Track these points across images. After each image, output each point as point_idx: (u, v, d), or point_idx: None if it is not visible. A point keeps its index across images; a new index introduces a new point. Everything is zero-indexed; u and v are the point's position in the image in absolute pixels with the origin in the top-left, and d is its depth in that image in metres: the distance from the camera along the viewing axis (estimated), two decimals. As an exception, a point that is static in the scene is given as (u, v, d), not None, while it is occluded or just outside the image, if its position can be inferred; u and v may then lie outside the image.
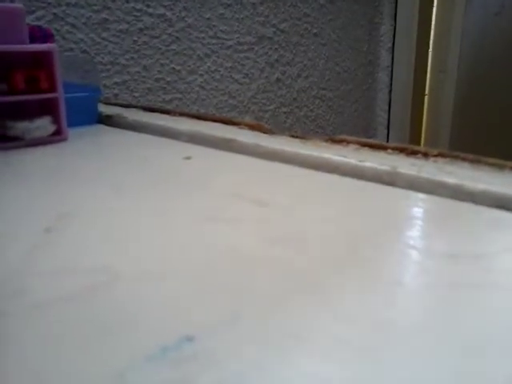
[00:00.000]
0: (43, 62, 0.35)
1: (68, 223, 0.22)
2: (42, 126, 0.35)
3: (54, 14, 0.64)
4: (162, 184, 0.27)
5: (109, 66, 0.72)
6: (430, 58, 1.33)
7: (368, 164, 0.29)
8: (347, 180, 0.28)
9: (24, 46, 0.35)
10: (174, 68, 0.80)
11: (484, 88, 1.27)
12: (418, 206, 0.25)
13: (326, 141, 0.35)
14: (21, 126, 0.34)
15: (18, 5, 0.33)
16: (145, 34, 0.76)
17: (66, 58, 0.65)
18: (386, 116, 1.31)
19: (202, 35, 0.84)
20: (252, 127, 0.40)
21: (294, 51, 1.02)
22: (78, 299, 0.15)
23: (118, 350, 0.13)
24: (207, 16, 0.84)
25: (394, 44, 1.27)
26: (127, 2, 0.72)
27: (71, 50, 0.67)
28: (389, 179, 0.28)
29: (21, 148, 0.34)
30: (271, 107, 0.98)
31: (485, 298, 0.16)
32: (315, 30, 1.06)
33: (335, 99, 1.15)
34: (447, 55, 1.30)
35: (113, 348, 0.13)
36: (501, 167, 0.28)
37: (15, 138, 0.34)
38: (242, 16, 0.90)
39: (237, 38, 0.90)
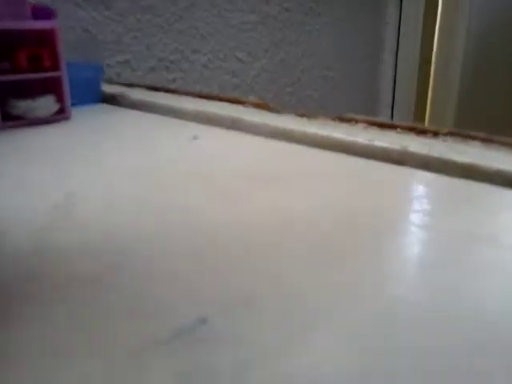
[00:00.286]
0: (46, 40, 0.35)
1: (75, 200, 0.21)
2: (45, 104, 0.35)
3: (56, -9, 0.63)
4: (170, 164, 0.27)
5: (111, 45, 0.71)
6: (436, 38, 1.31)
7: (377, 143, 0.28)
8: (356, 159, 0.28)
9: (27, 23, 0.34)
10: (177, 47, 0.79)
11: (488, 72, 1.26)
12: (429, 186, 0.24)
13: (334, 119, 0.35)
14: (24, 105, 0.34)
15: (20, -20, 0.33)
16: (148, 13, 0.74)
17: (68, 37, 0.64)
18: (390, 97, 1.30)
19: (206, 14, 0.83)
20: (258, 106, 0.39)
21: (298, 31, 1.01)
22: (92, 280, 0.15)
23: (131, 331, 0.13)
24: (210, -6, 0.83)
25: (399, 24, 1.25)
26: (129, -21, 0.71)
27: (73, 28, 0.66)
28: (399, 158, 0.27)
29: (24, 127, 0.34)
30: (274, 87, 0.97)
31: (502, 277, 0.15)
32: (320, 10, 1.05)
33: (339, 79, 1.14)
34: (454, 38, 1.28)
35: (126, 328, 0.13)
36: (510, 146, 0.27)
37: (18, 117, 0.34)
38: (245, -6, 0.89)
39: (241, 16, 0.89)
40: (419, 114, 1.33)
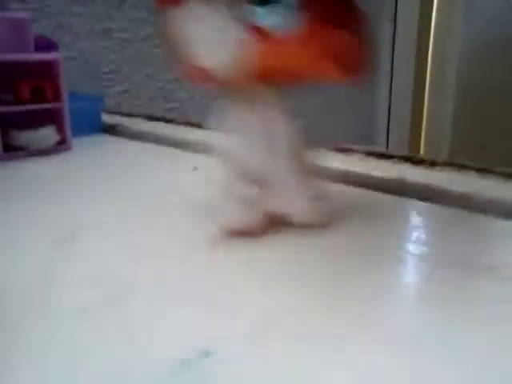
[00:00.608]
0: (48, 71, 0.35)
1: (77, 233, 0.21)
2: (47, 135, 0.35)
3: (58, 23, 0.64)
4: (171, 195, 0.27)
5: (111, 75, 0.72)
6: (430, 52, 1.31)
7: (375, 173, 0.29)
8: (355, 190, 0.28)
9: (30, 54, 0.35)
10: (175, 77, 0.80)
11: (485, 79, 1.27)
12: (426, 216, 0.25)
13: (331, 150, 0.35)
14: (25, 136, 0.34)
15: (23, 14, 0.34)
16: (147, 43, 0.76)
17: (70, 67, 0.65)
18: (385, 122, 1.31)
19: (204, 44, 0.84)
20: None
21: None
22: (94, 311, 0.15)
23: (136, 361, 0.13)
24: (209, 25, 0.85)
25: (393, 49, 1.27)
26: (130, 11, 0.73)
27: (74, 59, 0.67)
28: (397, 188, 0.28)
29: (26, 158, 0.34)
30: (272, 116, 0.98)
31: (499, 309, 0.15)
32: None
33: (333, 105, 1.15)
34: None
35: (132, 359, 0.13)
36: (508, 176, 0.28)
37: (20, 148, 0.34)
38: (243, 25, 0.90)
39: (238, 46, 0.90)
40: (414, 137, 1.33)
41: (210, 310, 0.15)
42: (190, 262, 0.19)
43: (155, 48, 0.77)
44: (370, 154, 0.34)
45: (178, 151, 0.38)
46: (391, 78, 1.30)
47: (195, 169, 0.32)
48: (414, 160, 0.32)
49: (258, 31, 0.21)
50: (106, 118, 0.46)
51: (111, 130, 0.44)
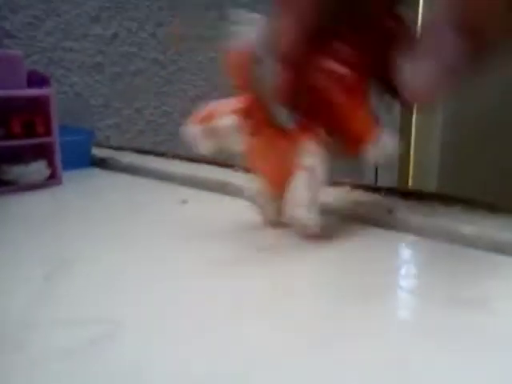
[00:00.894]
0: (40, 106, 0.36)
1: (67, 271, 0.21)
2: (38, 170, 0.35)
3: (49, 58, 0.65)
4: (161, 229, 0.27)
5: (101, 109, 0.73)
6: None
7: (362, 207, 0.29)
8: (341, 223, 0.28)
9: (22, 91, 0.35)
10: (166, 110, 0.81)
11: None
12: (414, 249, 0.25)
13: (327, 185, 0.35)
14: (16, 171, 0.34)
15: (17, 52, 0.34)
16: (137, 77, 0.77)
17: (61, 102, 0.65)
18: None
19: (194, 78, 0.86)
20: (246, 169, 0.40)
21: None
22: (80, 352, 0.15)
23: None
24: (199, 59, 0.86)
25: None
26: (121, 46, 0.74)
27: (65, 93, 0.68)
28: (383, 222, 0.28)
29: (15, 192, 0.34)
30: (262, 147, 0.99)
31: (486, 344, 0.16)
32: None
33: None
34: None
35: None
36: (493, 209, 0.28)
37: (10, 183, 0.34)
38: (232, 59, 0.92)
39: (227, 80, 0.92)
40: (404, 169, 1.35)
41: (201, 350, 0.15)
42: (184, 296, 0.19)
43: (146, 81, 0.78)
44: (357, 186, 0.34)
45: (167, 184, 0.38)
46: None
47: (184, 202, 0.33)
48: (402, 192, 0.33)
49: None
50: (96, 152, 0.46)
51: (101, 163, 0.45)
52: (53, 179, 0.36)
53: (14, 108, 0.35)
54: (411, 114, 1.33)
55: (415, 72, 0.22)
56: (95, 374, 0.14)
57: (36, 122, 0.35)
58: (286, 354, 0.15)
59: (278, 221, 0.26)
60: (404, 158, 1.36)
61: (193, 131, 0.25)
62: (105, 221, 0.29)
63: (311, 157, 0.24)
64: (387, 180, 1.25)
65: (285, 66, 0.23)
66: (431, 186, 1.33)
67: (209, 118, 0.25)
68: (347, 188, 0.34)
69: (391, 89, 0.25)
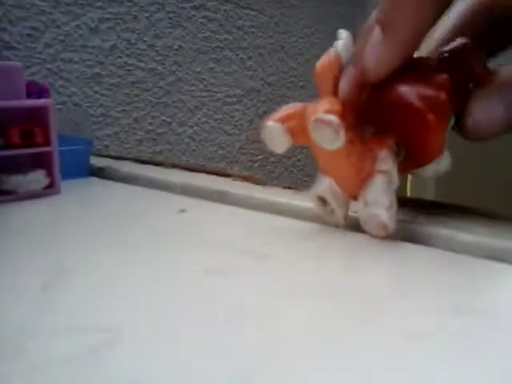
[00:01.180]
0: (39, 116, 0.36)
1: (65, 279, 0.21)
2: (36, 179, 0.35)
3: (49, 69, 0.66)
4: (160, 238, 0.27)
5: (100, 118, 0.73)
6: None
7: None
8: (344, 232, 0.28)
9: (20, 101, 0.35)
10: (164, 120, 0.82)
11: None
12: (411, 257, 0.25)
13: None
14: (15, 180, 0.34)
15: (17, 63, 0.34)
16: (136, 87, 0.77)
17: (59, 112, 0.66)
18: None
19: (192, 88, 0.86)
20: (244, 179, 0.40)
21: (281, 103, 1.05)
22: (79, 360, 0.15)
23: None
24: (197, 70, 0.87)
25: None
26: (120, 57, 0.74)
27: (64, 103, 0.68)
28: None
29: (14, 202, 0.34)
30: (260, 157, 0.99)
31: (486, 352, 0.16)
32: (302, 83, 1.09)
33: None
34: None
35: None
36: (493, 217, 0.28)
37: (8, 192, 0.34)
38: (230, 70, 0.93)
39: (226, 90, 0.92)
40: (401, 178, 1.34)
41: (201, 358, 0.15)
42: (183, 304, 0.19)
43: (144, 92, 0.79)
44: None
45: (165, 193, 0.38)
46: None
47: (183, 211, 0.33)
48: (401, 200, 0.33)
49: None
50: (95, 161, 0.46)
51: (100, 172, 0.45)
52: (51, 188, 0.36)
53: (13, 118, 0.35)
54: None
55: (485, 110, 0.25)
56: (95, 382, 0.14)
57: (35, 132, 0.35)
58: (286, 357, 0.15)
59: (342, 223, 0.28)
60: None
61: (272, 128, 0.26)
62: (103, 230, 0.29)
63: (387, 162, 0.26)
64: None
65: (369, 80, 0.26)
66: (429, 195, 1.33)
67: (289, 117, 0.27)
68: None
69: (457, 118, 0.27)
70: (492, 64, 0.27)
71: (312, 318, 0.18)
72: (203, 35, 0.87)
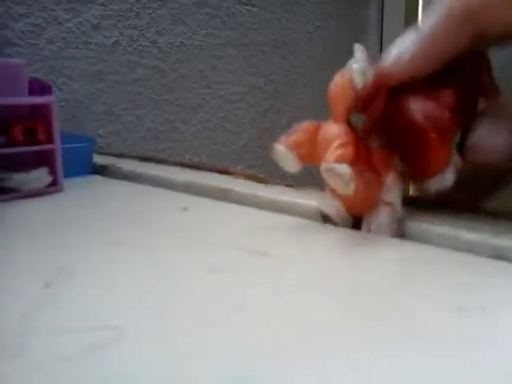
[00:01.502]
0: (41, 113, 0.36)
1: (68, 277, 0.21)
2: (39, 177, 0.35)
3: (51, 66, 0.66)
4: (162, 236, 0.27)
5: (103, 116, 0.73)
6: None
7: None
8: (346, 230, 0.28)
9: (23, 98, 0.35)
10: (167, 118, 0.82)
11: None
12: (415, 256, 0.25)
13: (321, 190, 0.35)
14: (18, 178, 0.34)
15: (19, 60, 0.34)
16: (139, 85, 0.77)
17: (62, 109, 0.66)
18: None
19: (195, 85, 0.86)
20: (247, 177, 0.40)
21: (284, 101, 1.05)
22: (81, 358, 0.15)
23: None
24: (200, 67, 0.86)
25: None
26: (122, 54, 0.74)
27: (66, 100, 0.68)
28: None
29: (16, 199, 0.34)
30: (262, 155, 0.99)
31: (488, 351, 0.15)
32: (304, 81, 1.09)
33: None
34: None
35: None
36: (495, 216, 0.28)
37: (11, 190, 0.34)
38: (233, 67, 0.93)
39: (228, 88, 0.92)
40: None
41: (203, 356, 0.15)
42: (185, 302, 0.19)
43: (147, 89, 0.79)
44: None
45: (168, 191, 0.38)
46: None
47: (185, 209, 0.33)
48: (405, 199, 0.32)
49: None
50: (98, 159, 0.46)
51: (102, 170, 0.45)
52: (54, 186, 0.36)
53: (16, 116, 0.35)
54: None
55: (488, 135, 0.25)
56: (96, 381, 0.14)
57: (37, 130, 0.35)
58: (288, 355, 0.15)
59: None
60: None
61: (283, 153, 0.27)
62: (106, 228, 0.29)
63: (392, 192, 0.27)
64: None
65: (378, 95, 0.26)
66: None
67: (299, 145, 0.27)
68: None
69: (462, 137, 0.27)
70: (492, 65, 0.27)
71: (314, 316, 0.18)
72: (205, 32, 0.87)
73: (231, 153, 0.94)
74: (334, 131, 0.26)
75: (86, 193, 0.38)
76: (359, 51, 0.26)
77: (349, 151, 0.25)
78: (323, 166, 0.24)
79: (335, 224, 0.28)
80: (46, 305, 0.19)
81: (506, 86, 0.27)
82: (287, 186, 0.37)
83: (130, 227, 0.29)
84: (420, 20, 0.25)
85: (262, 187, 0.36)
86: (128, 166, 0.44)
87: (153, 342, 0.16)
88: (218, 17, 0.89)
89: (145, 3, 0.77)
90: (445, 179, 0.27)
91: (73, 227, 0.29)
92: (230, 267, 0.23)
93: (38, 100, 0.36)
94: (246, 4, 0.94)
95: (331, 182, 0.24)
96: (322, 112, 0.28)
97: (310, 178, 1.17)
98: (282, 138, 0.27)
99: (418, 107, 0.26)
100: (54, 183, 0.36)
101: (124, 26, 0.74)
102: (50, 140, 0.36)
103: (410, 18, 1.29)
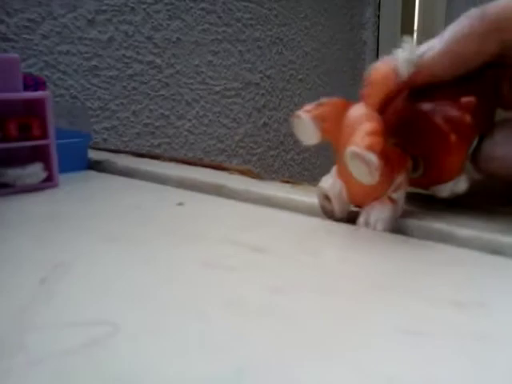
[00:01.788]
0: (36, 109, 0.36)
1: (64, 273, 0.21)
2: (34, 172, 0.35)
3: (45, 61, 0.65)
4: (157, 231, 0.27)
5: (98, 112, 0.73)
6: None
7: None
8: (341, 226, 0.28)
9: (17, 93, 0.35)
10: (162, 113, 0.82)
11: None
12: (411, 252, 0.25)
13: (316, 186, 0.36)
14: (13, 173, 0.34)
15: (14, 55, 0.34)
16: (134, 80, 0.77)
17: (57, 104, 0.65)
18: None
19: (191, 81, 0.86)
20: (242, 173, 0.40)
21: (280, 96, 1.05)
22: (78, 353, 0.15)
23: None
24: (196, 63, 0.86)
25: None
26: (117, 49, 0.74)
27: (62, 96, 0.68)
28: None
29: (11, 195, 0.34)
30: (258, 151, 0.99)
31: (485, 346, 0.16)
32: (300, 76, 1.09)
33: (321, 142, 1.17)
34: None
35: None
36: (492, 212, 0.28)
37: (6, 185, 0.34)
38: (229, 63, 0.92)
39: (224, 83, 0.92)
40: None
41: (200, 352, 0.15)
42: (182, 297, 0.19)
43: (142, 85, 0.78)
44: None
45: (163, 187, 0.38)
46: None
47: (181, 204, 0.33)
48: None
49: None
50: (93, 154, 0.46)
51: (98, 166, 0.45)
52: (49, 182, 0.36)
53: (10, 111, 0.35)
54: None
55: (505, 143, 0.25)
56: (93, 376, 0.14)
57: (32, 125, 0.35)
58: (284, 351, 0.15)
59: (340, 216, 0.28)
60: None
61: (305, 122, 0.26)
62: (101, 223, 0.29)
63: (399, 191, 0.26)
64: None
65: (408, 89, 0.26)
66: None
67: (324, 117, 0.26)
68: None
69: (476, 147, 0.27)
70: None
71: (309, 311, 0.18)
72: (201, 27, 0.87)
73: (227, 148, 0.94)
74: (365, 115, 0.25)
75: (81, 188, 0.38)
76: (408, 42, 0.25)
77: (381, 140, 0.24)
78: (351, 149, 0.23)
79: (331, 212, 0.28)
80: (41, 300, 0.19)
81: None
82: (283, 181, 0.37)
83: (126, 222, 0.29)
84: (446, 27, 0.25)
85: (256, 183, 0.36)
86: (123, 161, 0.44)
87: (148, 336, 0.16)
88: (214, 12, 0.89)
89: (140, -2, 0.76)
90: (457, 186, 0.27)
91: (68, 222, 0.29)
92: (224, 263, 0.23)
93: (33, 95, 0.36)
94: (242, 0, 0.93)
95: (355, 167, 0.23)
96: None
97: (306, 173, 1.17)
98: (308, 107, 0.26)
99: (439, 109, 0.26)
100: (49, 179, 0.36)
101: (119, 21, 0.74)
102: (44, 135, 0.36)
103: (407, 14, 1.29)
